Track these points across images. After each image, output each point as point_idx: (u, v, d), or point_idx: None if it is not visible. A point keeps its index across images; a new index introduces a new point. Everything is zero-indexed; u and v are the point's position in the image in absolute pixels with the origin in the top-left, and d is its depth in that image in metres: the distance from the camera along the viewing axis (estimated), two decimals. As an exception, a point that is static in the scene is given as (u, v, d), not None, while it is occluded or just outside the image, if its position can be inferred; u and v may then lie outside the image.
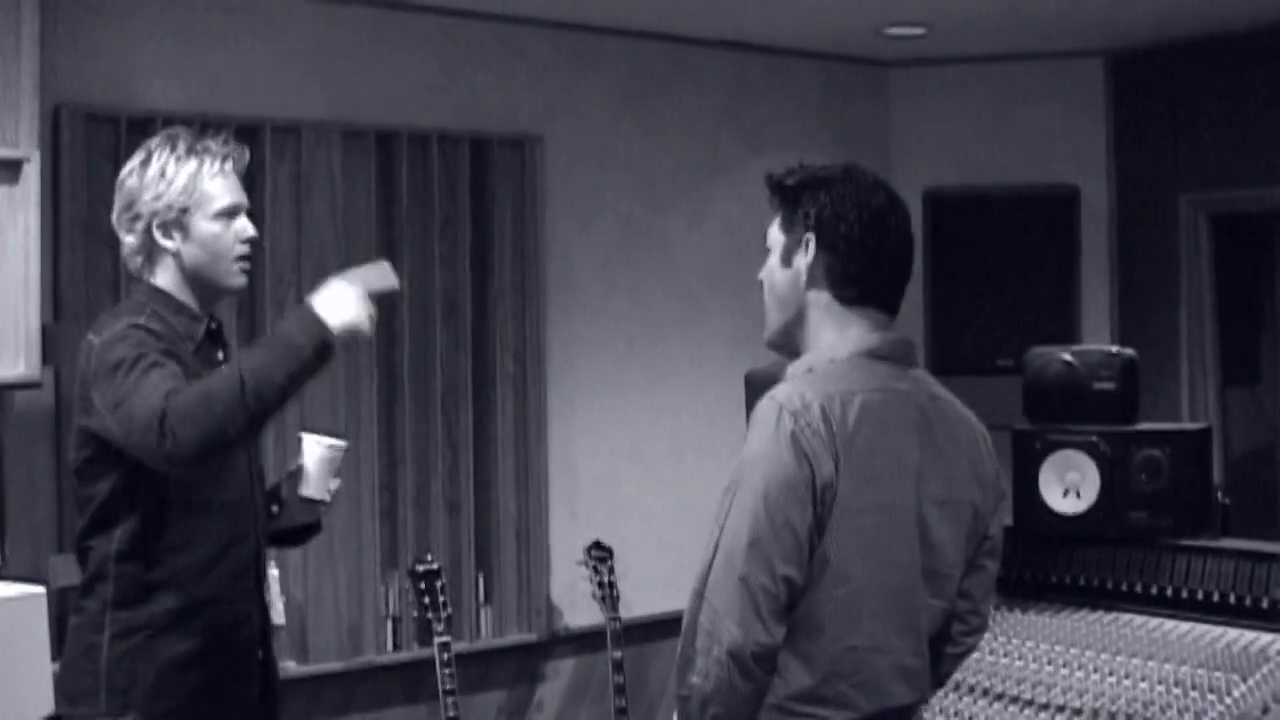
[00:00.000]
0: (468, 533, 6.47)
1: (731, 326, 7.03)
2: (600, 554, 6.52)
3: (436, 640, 5.92)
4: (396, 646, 6.28)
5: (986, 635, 4.67)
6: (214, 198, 3.87)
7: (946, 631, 3.24)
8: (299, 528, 4.13)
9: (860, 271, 3.16)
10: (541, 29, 6.73)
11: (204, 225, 3.85)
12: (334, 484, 4.04)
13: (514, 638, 6.61)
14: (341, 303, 3.72)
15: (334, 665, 6.12)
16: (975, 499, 3.21)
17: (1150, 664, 4.38)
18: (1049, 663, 4.54)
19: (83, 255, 5.57)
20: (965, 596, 3.26)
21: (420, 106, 6.40)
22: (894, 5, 6.60)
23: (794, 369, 3.18)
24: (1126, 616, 4.74)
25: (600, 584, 6.45)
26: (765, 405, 3.05)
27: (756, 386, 4.42)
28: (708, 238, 7.13)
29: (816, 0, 6.49)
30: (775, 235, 3.25)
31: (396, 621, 6.27)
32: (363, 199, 6.24)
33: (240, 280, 3.96)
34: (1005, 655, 4.64)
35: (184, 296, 3.88)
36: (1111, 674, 4.39)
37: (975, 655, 4.64)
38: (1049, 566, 5.03)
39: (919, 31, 7.05)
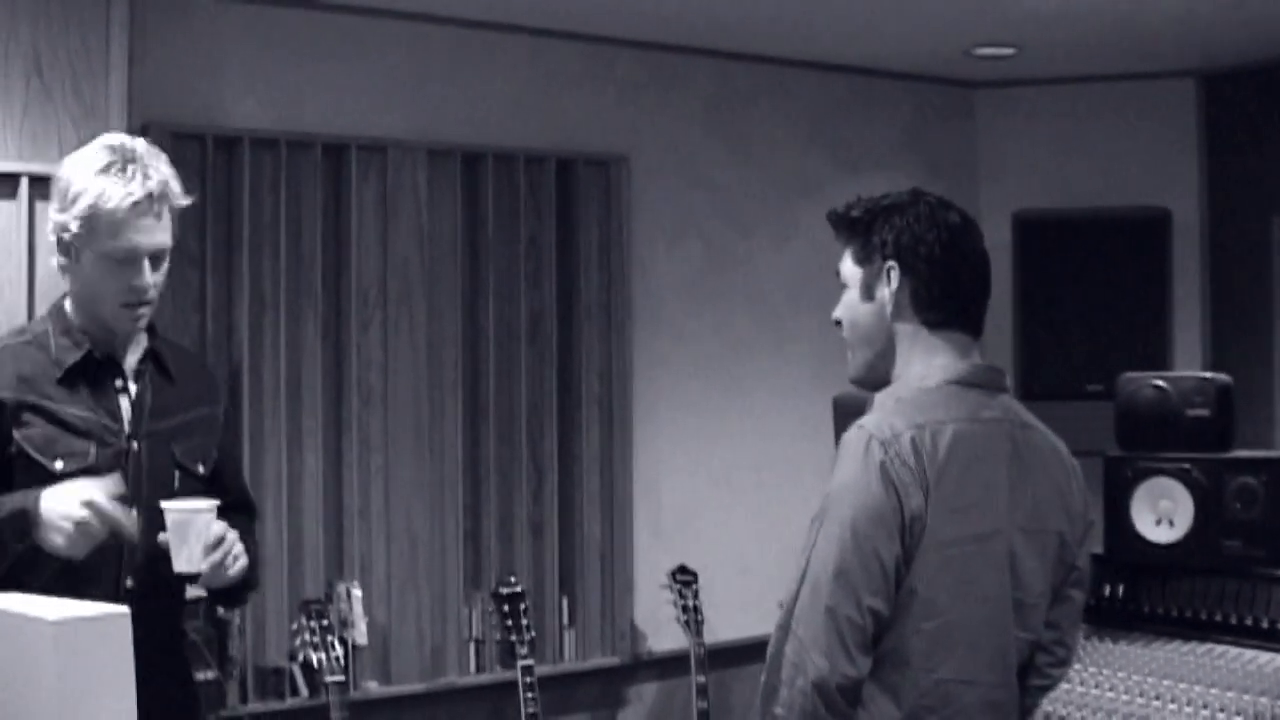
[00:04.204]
0: (552, 555, 6.45)
1: (817, 349, 6.98)
2: (685, 578, 6.48)
3: (519, 663, 5.89)
4: (479, 668, 6.26)
5: (1077, 666, 4.62)
6: (106, 238, 3.53)
7: (1032, 663, 3.20)
8: (221, 590, 3.72)
9: (944, 293, 3.13)
10: (628, 49, 6.71)
11: (92, 261, 3.56)
12: (207, 556, 3.50)
13: (597, 661, 6.58)
14: (56, 533, 3.33)
15: (416, 686, 6.10)
16: (1063, 529, 3.18)
17: (1245, 697, 4.30)
18: (1141, 695, 4.47)
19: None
20: (1052, 627, 3.22)
21: (506, 126, 6.39)
22: (983, 26, 6.55)
23: (882, 398, 3.15)
24: (1220, 648, 4.65)
25: (684, 608, 6.42)
26: (854, 435, 3.02)
27: (844, 411, 4.38)
28: (794, 259, 7.09)
29: (905, 21, 6.45)
30: (851, 270, 3.22)
31: (479, 643, 6.25)
32: (448, 219, 6.23)
33: (126, 327, 3.63)
34: (1096, 686, 4.57)
35: (78, 318, 3.65)
36: (1205, 707, 4.32)
37: (1066, 686, 4.58)
38: (1141, 596, 4.95)
39: (1008, 52, 7.00)
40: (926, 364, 3.13)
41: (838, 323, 3.28)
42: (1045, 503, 3.15)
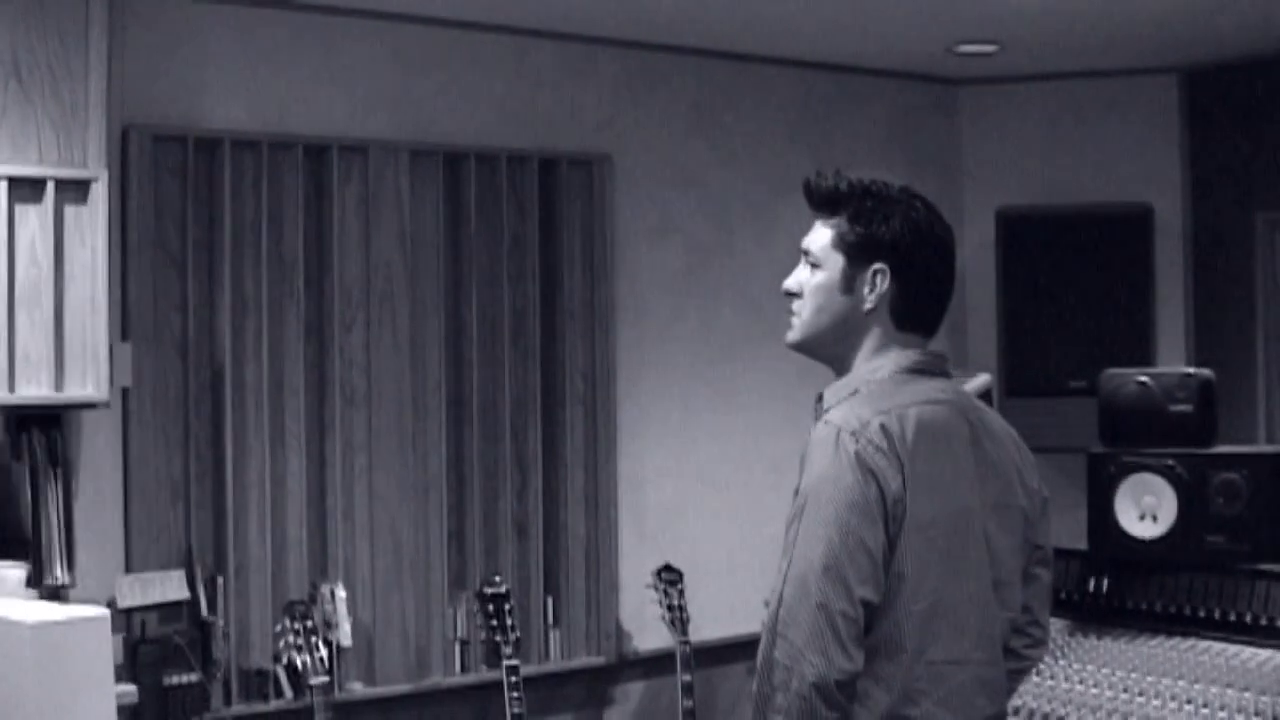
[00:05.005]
0: (536, 554, 6.44)
1: (801, 347, 6.96)
2: (670, 576, 6.47)
3: (504, 663, 5.88)
4: (464, 669, 6.24)
5: (1061, 661, 4.62)
6: None
7: (1009, 646, 3.20)
8: None
9: (925, 303, 3.14)
10: (610, 48, 6.71)
11: None
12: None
13: (582, 660, 6.56)
14: None
15: (401, 687, 6.08)
16: (1024, 505, 3.20)
17: (1229, 692, 4.31)
18: (1125, 690, 4.47)
19: (151, 275, 5.57)
20: (1024, 609, 3.24)
21: (488, 126, 6.38)
22: (965, 22, 6.55)
23: (836, 394, 3.15)
24: (1204, 643, 4.66)
25: (670, 607, 6.40)
26: (822, 430, 3.02)
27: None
28: (777, 256, 7.06)
29: (887, 18, 6.45)
30: (829, 254, 3.15)
31: (464, 644, 6.23)
32: (431, 219, 6.22)
33: None
34: (1081, 682, 4.57)
35: None
36: (1189, 702, 4.32)
37: (1050, 682, 4.58)
38: (1125, 592, 4.96)
39: (990, 49, 6.99)
40: (881, 358, 3.13)
41: (790, 293, 3.23)
42: (1006, 480, 3.17)
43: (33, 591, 3.48)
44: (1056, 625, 4.90)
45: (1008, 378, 7.18)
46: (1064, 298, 7.28)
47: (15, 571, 3.45)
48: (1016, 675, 3.28)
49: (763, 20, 6.44)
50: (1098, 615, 4.99)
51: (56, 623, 2.69)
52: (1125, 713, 4.37)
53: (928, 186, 3.29)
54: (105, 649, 2.77)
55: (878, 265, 3.10)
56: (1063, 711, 4.47)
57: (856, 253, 3.12)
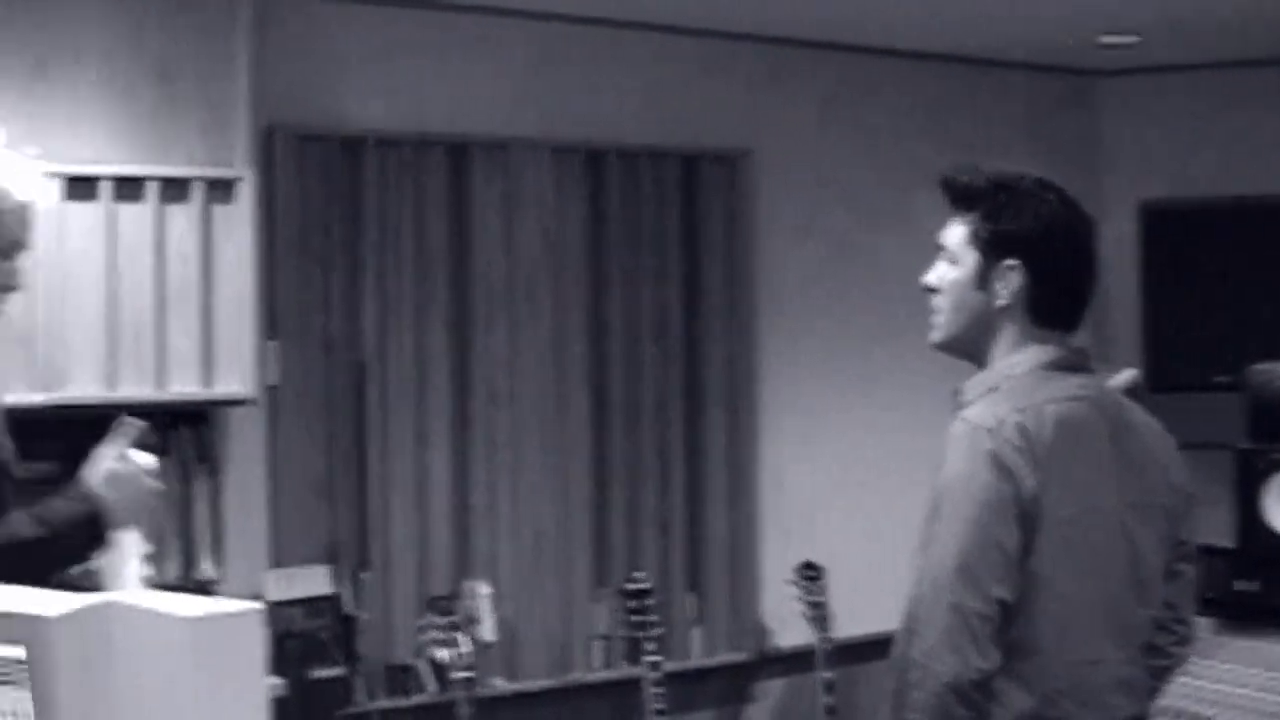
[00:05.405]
0: (678, 551, 6.45)
1: (942, 342, 6.92)
2: (811, 573, 6.46)
3: (646, 659, 5.89)
4: (606, 665, 6.27)
5: (1209, 661, 4.57)
6: None
7: (1152, 643, 3.16)
8: None
9: (1061, 301, 3.10)
10: (748, 43, 6.70)
11: None
12: (141, 571, 3.43)
13: (724, 657, 6.57)
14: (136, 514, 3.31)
15: (543, 683, 6.12)
16: (1166, 502, 3.15)
17: (1382, 691, 4.25)
18: (1275, 692, 4.42)
19: (296, 274, 5.64)
20: (1168, 605, 3.19)
21: (629, 123, 6.40)
22: (1106, 14, 6.48)
23: (974, 390, 3.12)
24: (1356, 642, 4.60)
25: (811, 604, 6.39)
26: (959, 428, 3.00)
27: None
28: (917, 252, 7.01)
29: (1028, 10, 6.40)
30: (964, 250, 3.14)
31: (606, 640, 6.26)
32: (572, 216, 6.24)
33: None
34: (1229, 682, 4.52)
35: None
36: (1341, 702, 4.27)
37: (1198, 682, 4.53)
38: (1275, 592, 4.90)
39: (1132, 39, 6.92)
40: (1020, 353, 3.10)
41: (929, 289, 3.22)
42: (1149, 477, 3.13)
43: (146, 553, 3.51)
44: (1203, 625, 4.85)
45: (1151, 373, 7.09)
46: (1209, 291, 7.19)
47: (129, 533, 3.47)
48: (1161, 672, 3.25)
49: (902, 14, 6.41)
50: (1245, 614, 4.92)
51: (212, 616, 2.71)
52: (1274, 714, 4.32)
53: (1067, 180, 3.24)
54: (259, 643, 2.80)
55: (1010, 261, 3.07)
56: (1210, 712, 4.43)
57: (989, 249, 3.10)
